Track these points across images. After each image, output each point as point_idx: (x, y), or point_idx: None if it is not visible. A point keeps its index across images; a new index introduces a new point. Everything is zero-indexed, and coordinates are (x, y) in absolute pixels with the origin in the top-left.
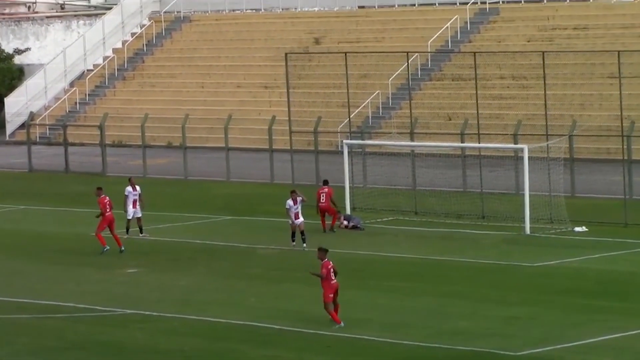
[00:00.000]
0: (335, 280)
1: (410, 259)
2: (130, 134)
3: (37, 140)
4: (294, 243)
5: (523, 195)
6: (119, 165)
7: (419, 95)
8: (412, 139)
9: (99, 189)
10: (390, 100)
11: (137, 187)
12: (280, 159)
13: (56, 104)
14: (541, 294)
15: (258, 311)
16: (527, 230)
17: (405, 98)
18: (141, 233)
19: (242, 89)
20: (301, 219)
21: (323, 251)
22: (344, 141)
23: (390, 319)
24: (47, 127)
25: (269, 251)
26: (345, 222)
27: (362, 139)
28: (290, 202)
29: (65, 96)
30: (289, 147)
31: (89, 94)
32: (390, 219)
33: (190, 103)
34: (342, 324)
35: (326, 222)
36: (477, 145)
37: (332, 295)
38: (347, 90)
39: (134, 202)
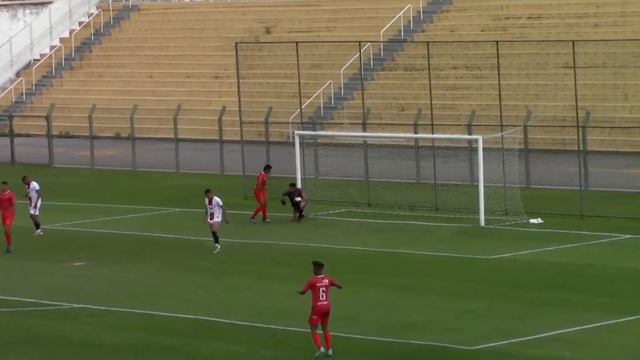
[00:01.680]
0: (325, 301)
1: (363, 252)
2: (77, 124)
3: None
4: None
5: (477, 186)
6: (66, 156)
7: (372, 85)
8: (364, 130)
9: (4, 183)
10: (342, 91)
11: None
12: (231, 150)
13: (2, 94)
14: (496, 286)
15: (208, 305)
16: (482, 222)
17: (357, 88)
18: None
19: (192, 79)
20: (216, 219)
21: (318, 265)
22: (296, 132)
23: (342, 313)
24: None
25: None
26: (299, 199)
27: (314, 130)
28: (206, 201)
29: (12, 86)
30: (239, 138)
31: (35, 84)
32: (342, 210)
33: (138, 93)
34: (325, 351)
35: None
36: (430, 136)
37: (316, 317)
38: (299, 80)
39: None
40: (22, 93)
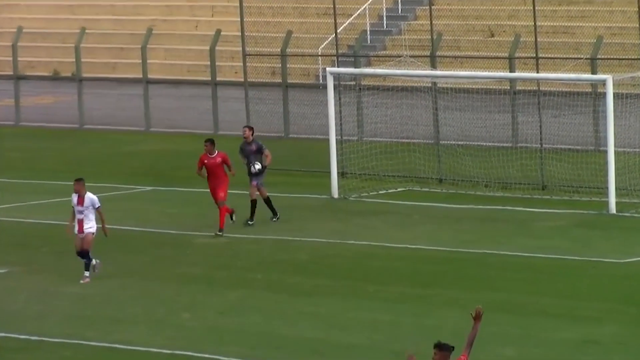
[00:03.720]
0: None
1: (431, 253)
2: None
3: None
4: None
5: (605, 153)
6: None
7: None
8: (433, 66)
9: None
10: (399, 6)
11: None
12: (229, 97)
13: None
14: (631, 305)
15: (195, 333)
16: (612, 208)
17: (422, 2)
18: None
19: None
20: (91, 226)
21: (445, 350)
22: (328, 69)
23: (398, 345)
24: None
25: (212, 240)
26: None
27: (356, 66)
28: (74, 196)
29: None
30: (241, 79)
31: None
32: (399, 190)
33: (87, 10)
34: None
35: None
36: (534, 75)
37: None
38: None
39: None
40: None
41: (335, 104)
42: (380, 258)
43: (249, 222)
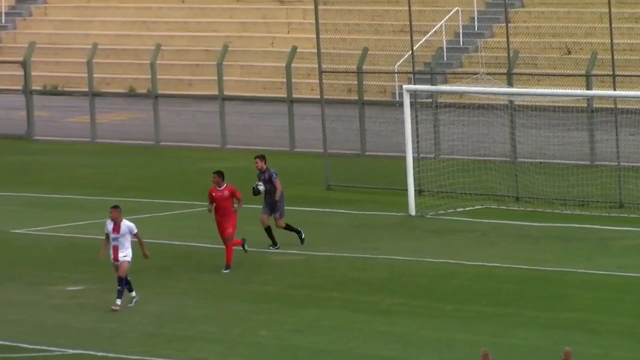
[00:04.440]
0: None
1: (509, 271)
2: (69, 74)
3: None
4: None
5: None
6: (52, 124)
7: (520, 14)
8: (509, 84)
9: (217, 174)
10: (475, 23)
11: None
12: (305, 114)
13: None
14: None
15: (272, 351)
16: None
17: (499, 19)
18: None
19: (244, 5)
20: (124, 258)
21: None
22: (404, 86)
23: None
24: None
25: (288, 257)
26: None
27: (432, 84)
28: (109, 224)
29: None
30: (317, 96)
31: (5, 13)
32: (476, 207)
33: (162, 27)
34: None
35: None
36: (611, 92)
37: None
38: (409, 6)
39: None
40: None
41: (411, 122)
42: (457, 276)
43: (272, 247)
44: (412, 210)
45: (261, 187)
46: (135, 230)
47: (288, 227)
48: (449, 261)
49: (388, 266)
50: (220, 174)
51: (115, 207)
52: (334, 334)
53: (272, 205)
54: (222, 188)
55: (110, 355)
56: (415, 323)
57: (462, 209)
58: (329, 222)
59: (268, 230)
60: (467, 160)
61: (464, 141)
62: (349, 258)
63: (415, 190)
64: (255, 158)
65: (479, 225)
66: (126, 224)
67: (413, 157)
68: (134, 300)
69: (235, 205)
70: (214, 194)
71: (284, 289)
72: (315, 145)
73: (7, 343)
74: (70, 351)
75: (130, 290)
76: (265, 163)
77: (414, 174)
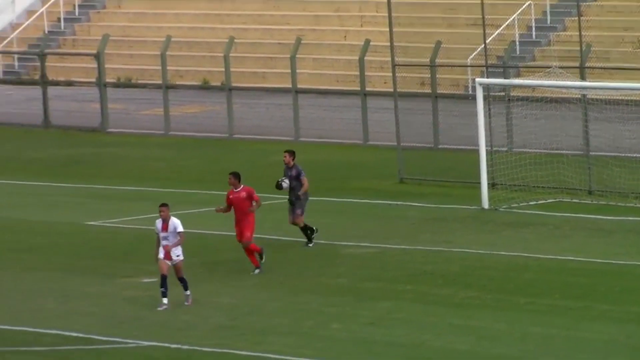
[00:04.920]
0: None
1: (583, 265)
2: (143, 67)
3: (0, 77)
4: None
5: None
6: (126, 116)
7: (593, 8)
8: (582, 77)
9: (233, 175)
10: (548, 16)
11: None
12: (378, 107)
13: (29, 21)
14: None
15: (344, 344)
16: None
17: (571, 13)
18: None
19: None
20: (179, 254)
21: None
22: (477, 80)
23: (550, 357)
24: (15, 56)
25: (361, 250)
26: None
27: (505, 77)
28: (158, 222)
29: (43, 8)
30: (390, 89)
31: (79, 5)
32: (549, 201)
33: (236, 19)
34: None
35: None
36: None
37: None
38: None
39: None
40: (58, 19)
41: (484, 115)
42: (530, 270)
43: (309, 244)
44: (485, 204)
45: (285, 184)
46: (180, 229)
47: (304, 228)
48: (522, 254)
49: (461, 259)
50: (236, 175)
51: (164, 205)
52: (407, 327)
53: (293, 201)
54: (238, 190)
55: (184, 347)
56: (488, 316)
57: (534, 202)
58: (402, 216)
59: (302, 228)
60: (540, 153)
61: (537, 134)
62: (422, 251)
63: (488, 183)
64: (285, 152)
65: (551, 219)
66: (173, 222)
67: (486, 150)
68: (189, 298)
69: (253, 205)
70: (231, 196)
71: (356, 282)
72: (388, 139)
73: (80, 335)
74: (144, 343)
75: (186, 289)
76: (293, 159)
77: (487, 167)
